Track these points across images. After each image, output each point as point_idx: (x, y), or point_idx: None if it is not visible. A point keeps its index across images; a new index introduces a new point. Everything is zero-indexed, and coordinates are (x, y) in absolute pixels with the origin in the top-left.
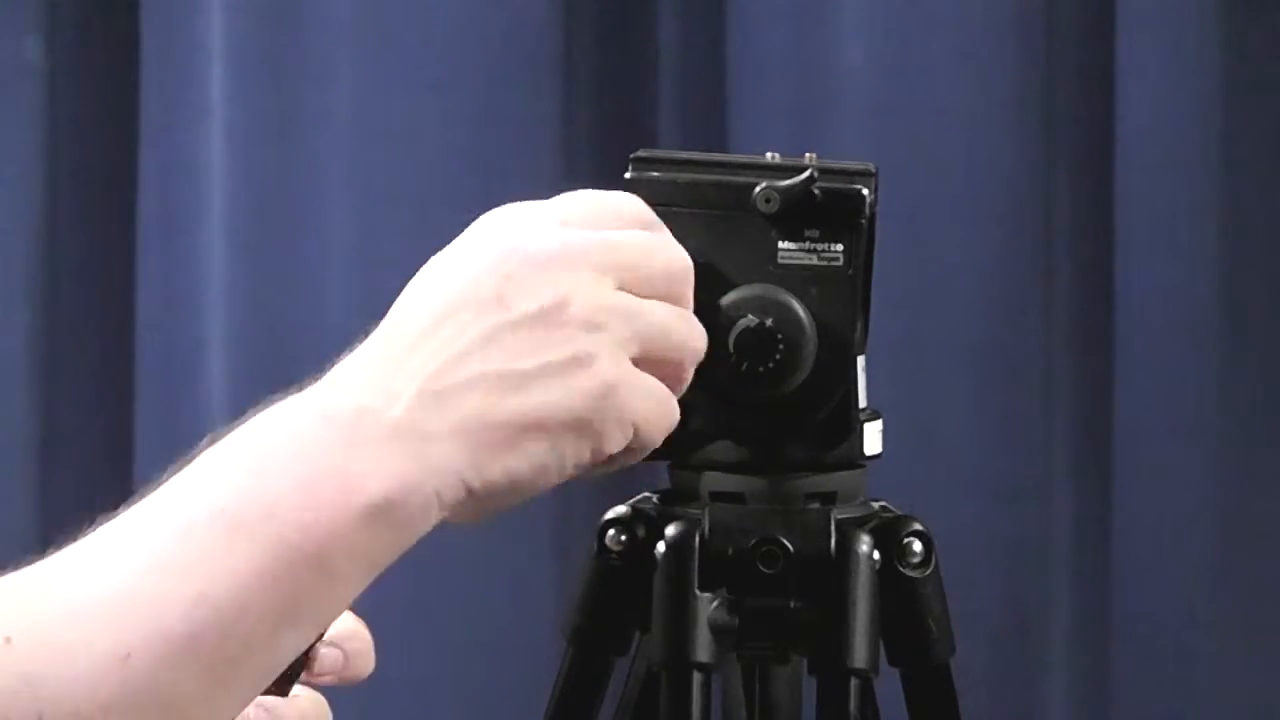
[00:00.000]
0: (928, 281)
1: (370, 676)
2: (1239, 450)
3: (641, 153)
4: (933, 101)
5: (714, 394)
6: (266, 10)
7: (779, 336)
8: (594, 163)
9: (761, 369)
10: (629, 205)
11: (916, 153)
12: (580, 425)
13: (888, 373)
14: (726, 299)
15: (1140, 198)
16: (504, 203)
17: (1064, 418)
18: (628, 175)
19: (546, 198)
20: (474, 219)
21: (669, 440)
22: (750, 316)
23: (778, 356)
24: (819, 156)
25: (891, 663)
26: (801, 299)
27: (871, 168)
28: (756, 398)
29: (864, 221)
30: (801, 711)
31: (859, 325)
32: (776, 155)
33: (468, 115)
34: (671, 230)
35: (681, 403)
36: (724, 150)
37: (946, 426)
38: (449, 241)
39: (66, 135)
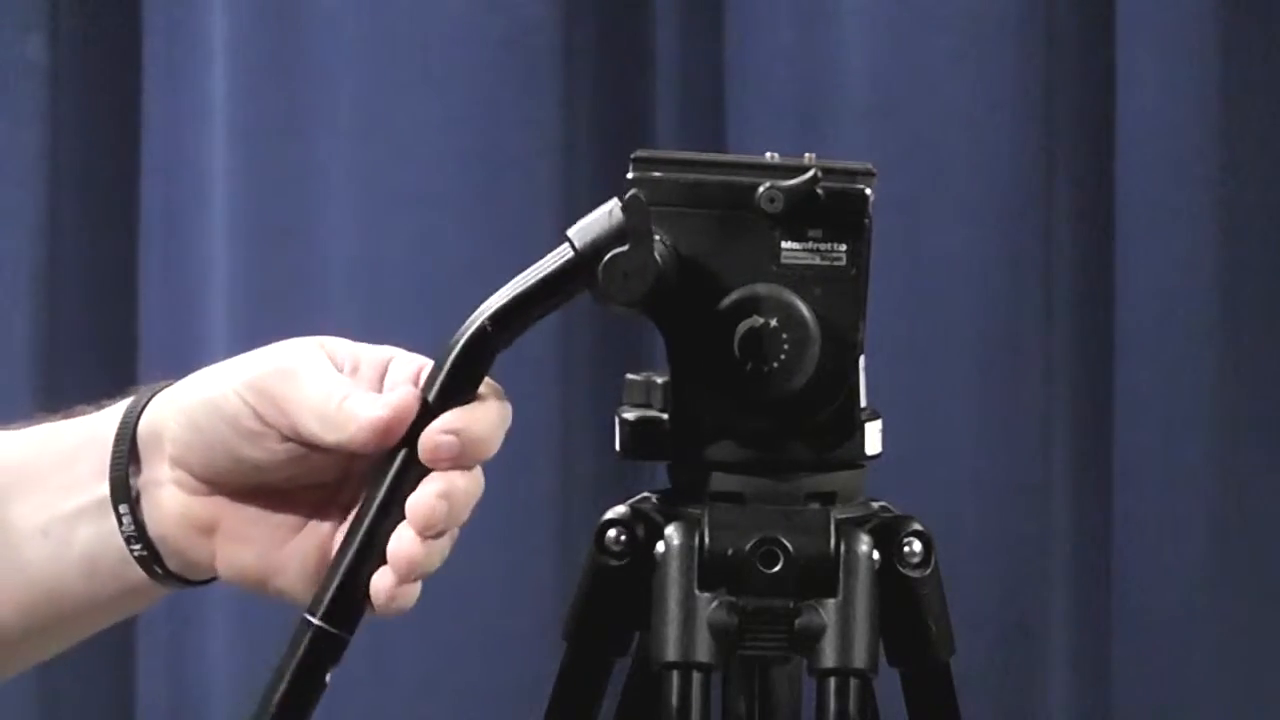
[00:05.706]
0: (928, 281)
1: (371, 676)
2: (1239, 450)
3: (641, 153)
4: (933, 101)
5: (717, 394)
6: (267, 10)
7: (784, 337)
8: (594, 162)
9: (766, 369)
10: None
11: (916, 153)
12: None
13: (888, 373)
14: (730, 299)
15: (1140, 198)
16: (504, 202)
17: (1064, 417)
18: (629, 175)
19: (546, 197)
20: (474, 218)
21: (669, 440)
22: (755, 317)
23: (783, 357)
24: (817, 156)
25: (891, 663)
26: (805, 299)
27: (871, 168)
28: (761, 398)
29: (867, 221)
30: (801, 711)
31: (862, 326)
32: (775, 155)
33: (468, 115)
34: (674, 230)
35: (685, 403)
36: (723, 150)
37: (946, 426)
38: (448, 241)
39: (68, 134)
